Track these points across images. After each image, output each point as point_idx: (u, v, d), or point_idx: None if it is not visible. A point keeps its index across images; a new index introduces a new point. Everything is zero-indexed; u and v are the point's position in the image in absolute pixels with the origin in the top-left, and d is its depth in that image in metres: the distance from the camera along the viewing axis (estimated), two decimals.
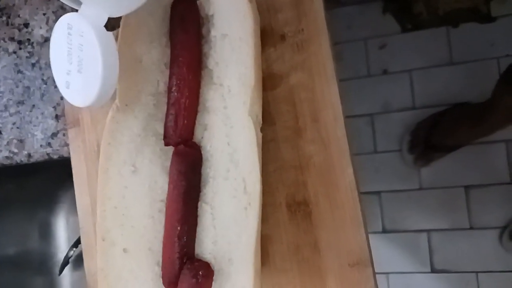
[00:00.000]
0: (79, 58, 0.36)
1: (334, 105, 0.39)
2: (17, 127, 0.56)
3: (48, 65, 0.55)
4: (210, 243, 0.39)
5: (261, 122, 0.39)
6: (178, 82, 0.40)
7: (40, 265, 0.79)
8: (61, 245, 0.81)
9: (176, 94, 0.40)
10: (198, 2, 0.41)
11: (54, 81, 0.55)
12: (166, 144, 0.41)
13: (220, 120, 0.39)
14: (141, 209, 0.40)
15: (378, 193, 1.33)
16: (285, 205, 0.40)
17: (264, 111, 0.41)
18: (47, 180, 0.76)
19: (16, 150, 0.56)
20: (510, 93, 0.95)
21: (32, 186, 0.74)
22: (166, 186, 0.41)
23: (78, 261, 0.80)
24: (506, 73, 0.99)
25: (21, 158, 0.55)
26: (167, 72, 0.41)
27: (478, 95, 1.18)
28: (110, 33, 0.35)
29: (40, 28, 0.56)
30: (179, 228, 0.39)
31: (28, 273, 0.77)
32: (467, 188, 1.25)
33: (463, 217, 1.25)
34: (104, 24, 0.35)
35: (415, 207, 1.29)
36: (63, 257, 0.81)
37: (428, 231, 1.28)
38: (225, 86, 0.39)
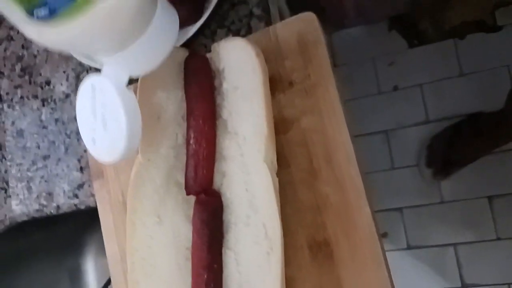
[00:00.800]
0: (103, 116, 0.38)
1: (346, 145, 0.40)
2: (45, 181, 0.58)
3: (70, 119, 0.58)
4: None
5: (277, 167, 0.41)
6: (195, 134, 0.42)
7: None
8: (92, 287, 0.83)
9: (194, 145, 0.42)
10: (208, 57, 0.43)
11: (77, 134, 0.58)
12: (188, 194, 0.42)
13: (237, 168, 0.41)
14: (167, 258, 0.42)
15: (399, 209, 1.32)
16: (307, 247, 0.41)
17: (279, 154, 0.42)
18: (73, 227, 0.78)
19: (45, 203, 0.58)
20: None
21: (59, 234, 0.76)
22: (190, 234, 0.43)
23: None
24: None
25: (50, 210, 0.58)
26: (184, 125, 0.43)
27: (491, 104, 1.18)
28: (132, 91, 0.37)
29: (61, 85, 0.59)
30: (205, 275, 0.40)
31: None
32: (490, 198, 1.23)
33: (489, 228, 1.23)
34: (125, 84, 0.37)
35: (439, 221, 1.28)
36: None
37: (454, 245, 1.26)
38: (240, 135, 0.41)
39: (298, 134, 0.42)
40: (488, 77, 1.27)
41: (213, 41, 0.51)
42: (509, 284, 1.22)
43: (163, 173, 0.43)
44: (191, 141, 0.42)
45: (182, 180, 0.43)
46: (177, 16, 0.37)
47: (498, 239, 1.23)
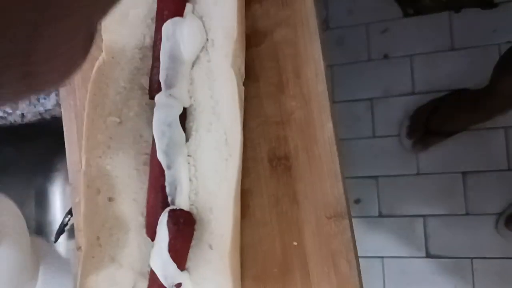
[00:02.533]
0: None
1: (316, 61, 0.39)
2: None
3: None
4: (192, 194, 0.40)
5: (244, 76, 0.40)
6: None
7: (36, 232, 0.80)
8: (57, 213, 0.82)
9: (160, 47, 0.40)
10: None
11: None
12: (151, 97, 0.41)
13: (204, 73, 0.40)
14: (126, 160, 0.41)
15: (375, 177, 1.33)
16: (267, 160, 0.41)
17: (249, 68, 0.41)
18: (44, 148, 0.77)
19: (10, 111, 0.57)
20: (507, 78, 0.95)
21: (30, 150, 0.75)
22: (150, 140, 0.42)
23: (73, 230, 0.82)
24: (502, 58, 0.98)
25: (14, 118, 0.57)
26: (153, 27, 0.42)
27: (478, 81, 1.17)
28: None
29: None
30: (162, 178, 0.40)
31: None
32: (464, 174, 1.25)
33: (459, 203, 1.25)
34: None
35: (412, 193, 1.30)
36: (58, 225, 0.82)
37: (424, 216, 1.28)
38: (209, 39, 0.40)
39: (270, 48, 0.41)
40: (478, 54, 1.26)
41: None
42: (472, 258, 1.25)
43: (127, 74, 0.42)
44: (158, 42, 0.41)
45: (146, 84, 0.42)
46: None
47: (467, 214, 1.26)
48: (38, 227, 0.81)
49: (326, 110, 0.39)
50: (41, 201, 0.81)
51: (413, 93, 1.31)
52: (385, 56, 1.33)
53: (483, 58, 1.24)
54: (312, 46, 0.40)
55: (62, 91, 0.51)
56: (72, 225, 0.82)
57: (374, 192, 1.33)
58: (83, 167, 0.40)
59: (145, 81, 0.42)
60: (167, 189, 0.40)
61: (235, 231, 0.38)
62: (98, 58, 0.41)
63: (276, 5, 0.41)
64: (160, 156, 0.40)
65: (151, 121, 0.42)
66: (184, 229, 0.38)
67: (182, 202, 0.40)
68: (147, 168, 0.42)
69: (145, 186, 0.42)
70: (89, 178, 0.40)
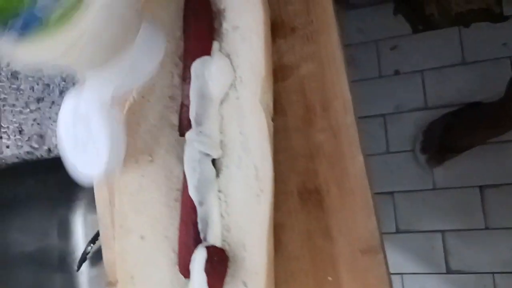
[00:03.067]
0: (86, 133, 0.37)
1: (344, 94, 0.40)
2: (38, 123, 0.58)
3: None
4: (224, 230, 0.40)
5: (272, 112, 0.40)
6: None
7: (59, 261, 0.81)
8: (79, 242, 0.83)
9: (189, 86, 0.41)
10: None
11: (73, 77, 0.57)
12: (181, 135, 0.42)
13: (233, 110, 0.40)
14: (157, 197, 0.42)
15: (391, 193, 1.32)
16: (297, 194, 0.41)
17: (276, 102, 0.42)
18: (65, 178, 0.78)
19: (36, 146, 0.58)
20: None
21: (52, 182, 0.76)
22: (181, 176, 0.42)
23: (96, 257, 0.82)
24: None
25: (41, 153, 0.57)
26: (181, 65, 0.43)
27: (490, 95, 1.17)
28: (114, 109, 0.37)
29: None
30: (193, 214, 0.40)
31: (47, 270, 0.79)
32: (482, 188, 1.24)
33: (478, 217, 1.24)
34: (109, 101, 0.36)
35: (429, 208, 1.29)
36: (80, 254, 0.83)
37: (442, 231, 1.27)
38: (237, 77, 0.40)
39: (297, 82, 0.42)
40: (490, 67, 1.26)
41: None
42: (493, 273, 1.23)
43: (157, 113, 0.42)
44: (187, 81, 0.41)
45: (176, 122, 0.43)
46: (163, 34, 0.36)
47: (486, 228, 1.24)
48: (60, 257, 0.81)
49: (355, 143, 0.39)
50: (64, 231, 0.82)
51: (425, 108, 1.31)
52: (396, 72, 1.33)
53: (494, 71, 1.25)
54: (339, 80, 0.40)
55: None
56: (94, 253, 0.83)
57: (390, 208, 1.32)
58: (116, 206, 0.41)
59: (175, 119, 0.43)
60: (199, 225, 0.40)
61: (269, 268, 0.38)
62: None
63: (301, 40, 0.42)
64: (191, 192, 0.40)
65: (181, 158, 0.42)
66: (219, 266, 0.38)
67: (214, 238, 0.40)
68: (178, 205, 0.42)
69: (176, 222, 0.42)
70: (122, 218, 0.40)
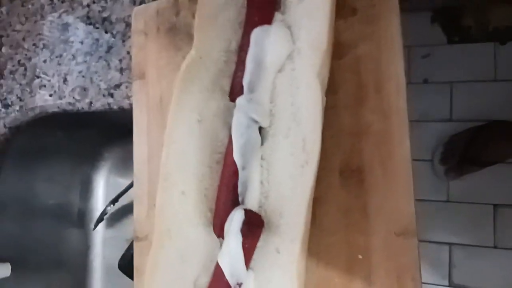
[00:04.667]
0: None
1: (399, 77, 0.40)
2: (83, 76, 0.59)
3: (118, 20, 0.58)
4: (262, 196, 0.41)
5: (326, 87, 0.41)
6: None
7: (78, 218, 0.82)
8: (99, 201, 0.84)
9: (247, 52, 0.42)
10: None
11: (123, 35, 0.58)
12: (232, 100, 0.43)
13: (286, 81, 0.41)
14: (201, 157, 0.43)
15: None
16: (338, 171, 0.41)
17: (328, 79, 0.42)
18: (93, 135, 0.79)
19: (79, 98, 0.59)
20: None
21: (80, 137, 0.77)
22: (226, 140, 0.43)
23: (112, 219, 0.84)
24: None
25: (82, 105, 0.59)
26: (240, 32, 0.43)
27: None
28: None
29: None
30: (235, 178, 0.41)
31: (66, 224, 0.81)
32: (496, 206, 1.23)
33: (488, 235, 1.24)
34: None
35: (440, 219, 1.29)
36: (98, 213, 0.84)
37: (450, 244, 1.27)
38: (296, 48, 0.41)
39: (352, 61, 0.42)
40: None
41: None
42: None
43: (211, 75, 0.43)
44: (245, 48, 0.42)
45: (227, 87, 0.44)
46: None
47: (495, 247, 1.24)
48: (79, 213, 0.83)
49: (405, 127, 0.39)
50: (85, 188, 0.83)
51: (450, 120, 1.30)
52: (425, 81, 1.33)
53: None
54: (395, 63, 0.40)
55: (135, 84, 0.53)
56: (111, 215, 0.84)
57: None
58: (162, 160, 0.42)
59: (226, 84, 0.43)
60: (239, 189, 0.41)
61: (304, 238, 0.39)
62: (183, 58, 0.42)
63: (361, 22, 0.42)
64: (236, 155, 0.41)
65: (228, 123, 0.43)
66: (254, 230, 0.39)
67: (252, 203, 0.41)
68: (219, 167, 0.43)
69: (215, 183, 0.43)
70: (167, 171, 0.41)
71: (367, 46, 0.42)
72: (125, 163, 0.84)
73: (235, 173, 0.41)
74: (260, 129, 0.42)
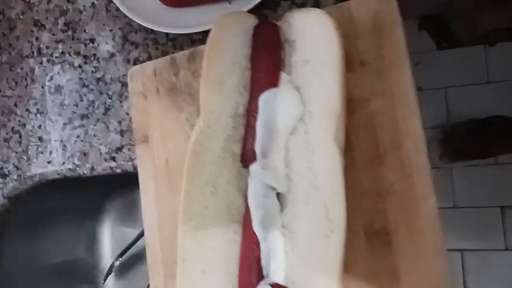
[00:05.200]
0: None
1: (416, 133, 0.39)
2: (81, 140, 0.57)
3: (113, 80, 0.56)
4: (288, 268, 0.39)
5: (343, 148, 0.39)
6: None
7: (86, 273, 0.80)
8: (106, 254, 0.82)
9: (256, 116, 0.40)
10: (279, 26, 0.41)
11: (119, 96, 0.56)
12: (245, 166, 0.41)
13: (301, 145, 0.39)
14: (219, 230, 0.41)
15: None
16: (363, 233, 0.40)
17: None
18: (93, 192, 0.77)
19: (79, 163, 0.57)
20: None
21: (80, 196, 0.75)
22: (241, 208, 0.41)
23: (121, 271, 0.81)
24: None
25: (84, 170, 0.56)
26: (246, 95, 0.42)
27: None
28: None
29: (106, 43, 0.57)
30: (256, 250, 0.39)
31: (74, 281, 0.78)
32: (503, 208, 1.23)
33: (498, 238, 1.23)
34: None
35: (449, 226, 1.28)
36: (106, 266, 0.82)
37: (462, 250, 1.26)
38: (307, 111, 0.39)
39: (366, 117, 0.41)
40: None
41: (275, 12, 0.49)
42: None
43: (221, 143, 0.41)
44: (254, 112, 0.40)
45: (237, 152, 0.42)
46: None
47: (507, 249, 1.24)
48: (87, 268, 0.80)
49: (428, 184, 0.38)
50: (91, 243, 0.81)
51: (447, 126, 1.30)
52: (419, 89, 1.32)
53: None
54: (412, 119, 0.39)
55: (139, 148, 0.51)
56: (119, 266, 0.82)
57: None
58: (179, 239, 0.40)
59: (237, 149, 0.42)
60: (263, 262, 0.39)
61: None
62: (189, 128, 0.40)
63: (371, 75, 0.41)
64: (256, 227, 0.39)
65: (242, 188, 0.42)
66: None
67: (278, 276, 0.39)
68: (237, 237, 0.41)
69: (235, 256, 0.41)
70: (185, 251, 0.39)
71: (380, 101, 0.40)
72: (129, 212, 0.82)
73: (257, 245, 0.39)
74: (278, 194, 0.40)
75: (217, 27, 0.40)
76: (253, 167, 0.40)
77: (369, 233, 0.40)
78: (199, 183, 0.40)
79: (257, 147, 0.40)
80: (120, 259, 0.79)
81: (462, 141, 1.22)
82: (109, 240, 0.82)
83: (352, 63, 0.41)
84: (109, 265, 0.80)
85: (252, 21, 0.42)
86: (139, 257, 0.51)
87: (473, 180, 1.24)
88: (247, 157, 0.41)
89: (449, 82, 1.32)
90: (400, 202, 0.39)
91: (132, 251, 0.79)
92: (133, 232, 0.80)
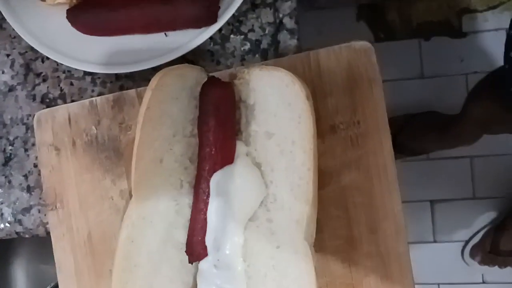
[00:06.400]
0: None
1: (396, 216, 0.33)
2: None
3: (14, 121, 0.44)
4: None
5: (314, 239, 0.33)
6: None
7: None
8: None
9: (205, 202, 0.32)
10: (233, 84, 0.33)
11: (24, 143, 0.44)
12: (192, 261, 0.33)
13: (262, 236, 0.32)
14: None
15: None
16: None
17: None
18: None
19: None
20: (477, 104, 0.97)
21: None
22: None
23: None
24: (475, 87, 1.02)
25: None
26: (192, 169, 0.33)
27: (446, 110, 1.19)
28: None
29: (2, 72, 0.44)
30: None
31: None
32: (432, 202, 1.27)
33: (427, 231, 1.28)
34: None
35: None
36: None
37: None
38: (270, 194, 0.32)
39: (336, 193, 0.34)
40: (446, 83, 1.28)
41: (223, 48, 0.40)
42: (439, 284, 1.29)
43: (160, 234, 0.33)
44: (204, 196, 0.32)
45: (182, 239, 0.34)
46: None
47: (435, 241, 1.29)
48: None
49: (408, 273, 0.33)
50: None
51: None
52: None
53: (451, 87, 1.26)
54: (391, 198, 0.33)
55: (52, 215, 0.40)
56: None
57: None
58: None
59: (181, 236, 0.33)
60: None
61: None
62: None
63: (343, 144, 0.34)
64: None
65: (187, 283, 0.34)
66: None
67: None
68: None
69: None
70: None
71: (353, 174, 0.34)
72: (45, 247, 0.70)
73: None
74: None
75: (154, 88, 0.31)
76: (203, 264, 0.32)
77: None
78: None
79: (208, 239, 0.32)
80: None
81: (394, 139, 1.22)
82: (25, 281, 0.70)
83: (320, 127, 0.34)
84: None
85: (199, 75, 0.33)
86: None
87: (405, 177, 1.26)
88: (196, 253, 0.33)
89: (385, 75, 1.30)
90: None
91: None
92: (51, 269, 0.69)
